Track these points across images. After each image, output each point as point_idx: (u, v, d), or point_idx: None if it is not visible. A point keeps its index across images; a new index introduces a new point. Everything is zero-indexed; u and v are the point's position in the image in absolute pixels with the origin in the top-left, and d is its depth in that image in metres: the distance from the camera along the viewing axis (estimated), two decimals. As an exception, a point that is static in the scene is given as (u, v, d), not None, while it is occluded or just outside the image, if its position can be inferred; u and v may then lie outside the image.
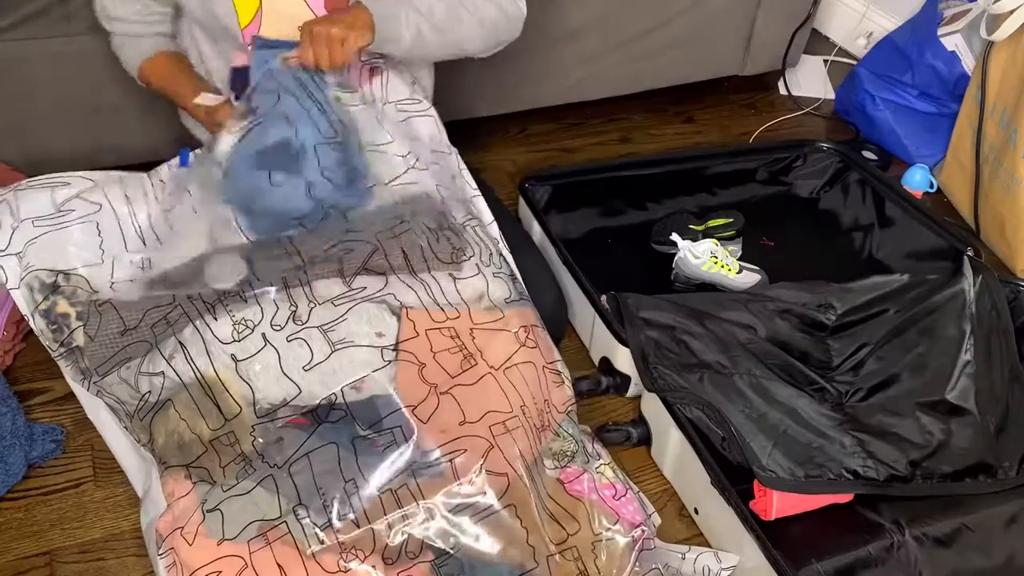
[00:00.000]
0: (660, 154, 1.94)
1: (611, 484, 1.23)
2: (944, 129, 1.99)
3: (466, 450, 1.11)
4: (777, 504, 1.18)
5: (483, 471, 1.10)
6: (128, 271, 1.22)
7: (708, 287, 1.62)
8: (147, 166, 1.74)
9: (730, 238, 1.71)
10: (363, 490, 1.08)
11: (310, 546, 1.05)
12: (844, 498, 1.23)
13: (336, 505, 1.07)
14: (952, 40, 1.93)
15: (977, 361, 1.40)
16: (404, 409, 1.10)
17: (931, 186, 1.95)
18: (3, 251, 1.19)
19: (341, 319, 1.14)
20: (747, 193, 1.89)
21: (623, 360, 1.40)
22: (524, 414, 1.17)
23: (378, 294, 1.18)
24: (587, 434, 1.31)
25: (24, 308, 1.20)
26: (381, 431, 1.10)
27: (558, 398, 1.25)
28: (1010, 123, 1.72)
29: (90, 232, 1.23)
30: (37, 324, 1.20)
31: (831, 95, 2.31)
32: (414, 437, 1.09)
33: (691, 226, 1.70)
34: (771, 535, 1.14)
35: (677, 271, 1.63)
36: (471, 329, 1.20)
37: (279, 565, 1.04)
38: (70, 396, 1.36)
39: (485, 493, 1.10)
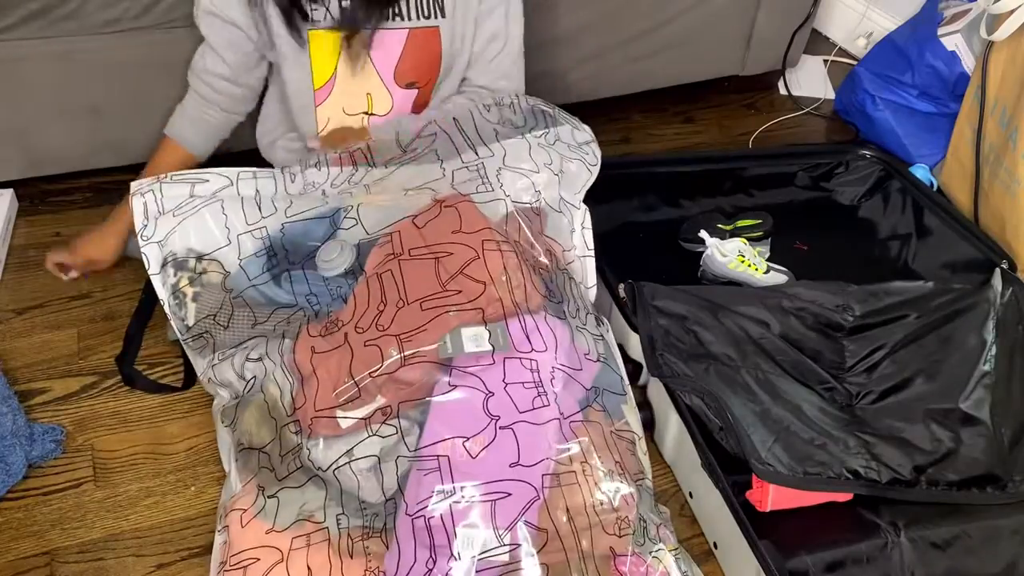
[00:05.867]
0: (697, 152, 1.93)
1: (666, 572, 1.10)
2: (944, 129, 1.99)
3: (510, 495, 1.04)
4: (773, 496, 1.18)
5: (523, 522, 1.03)
6: (251, 245, 1.28)
7: (734, 286, 1.61)
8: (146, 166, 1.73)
9: (758, 239, 1.71)
10: (400, 512, 1.05)
11: (341, 555, 1.04)
12: (843, 497, 1.23)
13: (373, 520, 1.06)
14: (952, 40, 1.93)
15: (997, 372, 1.38)
16: (455, 439, 1.06)
17: (931, 186, 1.95)
18: (148, 239, 1.27)
19: (420, 329, 1.11)
20: (785, 197, 1.88)
21: (636, 348, 1.40)
22: (583, 472, 1.08)
23: (469, 304, 1.13)
24: (659, 517, 1.18)
25: (161, 293, 1.28)
26: (428, 456, 1.06)
27: (630, 465, 1.16)
28: (1010, 123, 1.72)
29: (216, 213, 1.28)
30: (169, 306, 1.27)
31: (831, 95, 2.31)
32: (459, 469, 1.04)
33: (719, 225, 1.71)
34: (766, 525, 1.14)
35: (704, 268, 1.64)
36: (552, 368, 1.12)
37: (308, 568, 1.04)
38: (70, 396, 1.37)
39: (519, 546, 1.02)
